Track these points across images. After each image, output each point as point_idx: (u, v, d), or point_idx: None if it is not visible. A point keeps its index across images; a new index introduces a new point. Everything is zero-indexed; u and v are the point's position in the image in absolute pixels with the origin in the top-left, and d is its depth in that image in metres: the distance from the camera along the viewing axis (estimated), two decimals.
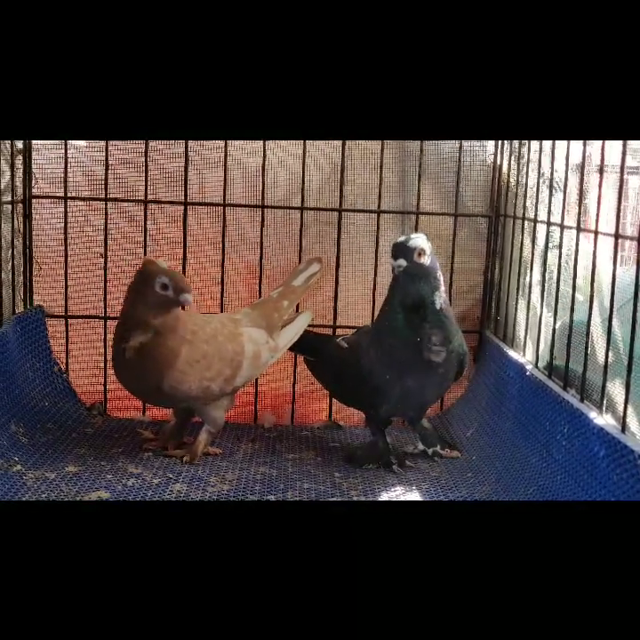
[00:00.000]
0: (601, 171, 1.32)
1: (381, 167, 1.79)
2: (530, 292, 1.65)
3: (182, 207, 1.80)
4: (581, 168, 1.42)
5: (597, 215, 1.30)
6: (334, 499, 1.38)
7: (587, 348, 1.33)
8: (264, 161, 1.78)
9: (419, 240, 1.48)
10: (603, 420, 1.22)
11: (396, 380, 1.52)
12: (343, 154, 1.78)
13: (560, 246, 1.47)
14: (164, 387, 1.46)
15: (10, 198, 1.70)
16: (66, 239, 1.80)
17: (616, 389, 1.26)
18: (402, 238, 1.50)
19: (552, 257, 1.55)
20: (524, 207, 1.69)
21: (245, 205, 1.85)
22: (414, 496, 1.41)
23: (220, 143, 1.79)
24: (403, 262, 1.47)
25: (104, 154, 1.76)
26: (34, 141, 1.78)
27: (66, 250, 1.80)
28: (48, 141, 1.80)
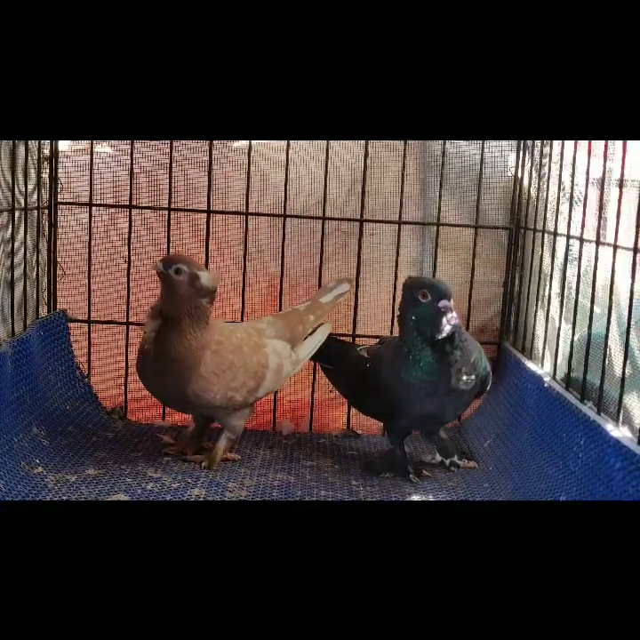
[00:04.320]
0: (621, 185, 1.32)
1: (403, 178, 1.80)
2: (549, 304, 1.65)
3: (205, 215, 1.81)
4: (601, 182, 1.42)
5: (617, 229, 1.31)
6: None
7: (604, 360, 1.33)
8: (287, 170, 1.80)
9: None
10: (619, 432, 1.22)
11: (417, 403, 1.52)
12: (365, 164, 1.80)
13: (579, 259, 1.48)
14: (188, 393, 1.47)
15: (36, 204, 1.73)
16: (90, 245, 1.82)
17: (633, 402, 1.27)
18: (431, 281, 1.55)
19: (571, 270, 1.55)
20: (545, 220, 1.70)
21: (267, 214, 1.86)
22: None
23: (244, 152, 1.81)
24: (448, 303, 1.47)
25: (129, 161, 1.79)
26: (60, 148, 1.81)
27: (89, 256, 1.82)
28: (73, 148, 1.83)
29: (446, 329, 1.47)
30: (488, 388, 1.60)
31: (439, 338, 1.47)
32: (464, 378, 1.50)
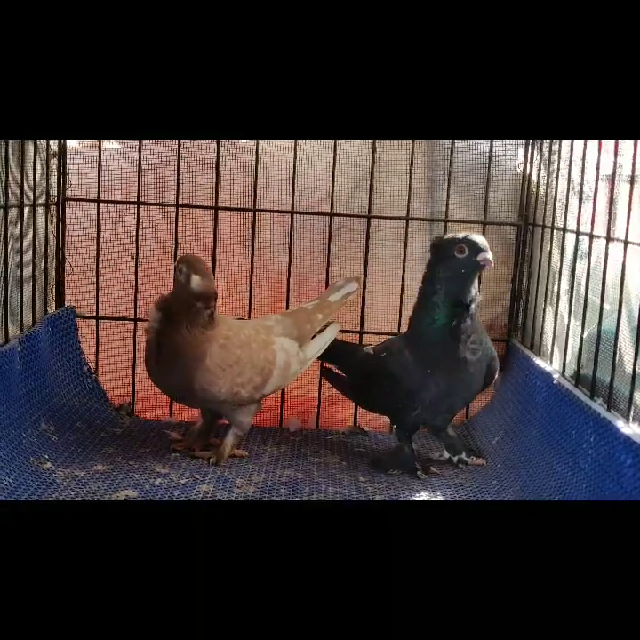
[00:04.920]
0: (632, 180, 1.32)
1: (411, 174, 1.80)
2: (558, 301, 1.64)
3: (212, 212, 1.81)
4: (611, 177, 1.42)
5: (627, 224, 1.30)
6: None
7: (614, 356, 1.33)
8: (294, 167, 1.80)
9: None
10: (629, 429, 1.22)
11: (427, 379, 1.51)
12: (373, 161, 1.79)
13: (589, 255, 1.47)
14: (194, 387, 1.47)
15: (44, 200, 1.73)
16: (98, 241, 1.82)
17: None
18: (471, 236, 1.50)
19: (580, 266, 1.55)
20: (553, 216, 1.69)
21: (275, 211, 1.86)
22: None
23: (251, 149, 1.81)
24: (489, 256, 1.47)
25: (137, 157, 1.79)
26: (68, 144, 1.81)
27: (98, 252, 1.82)
28: (82, 144, 1.83)
29: (475, 289, 1.49)
30: (496, 375, 1.60)
31: (467, 299, 1.48)
32: (472, 346, 1.50)
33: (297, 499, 1.39)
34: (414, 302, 1.59)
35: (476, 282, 1.51)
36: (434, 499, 1.42)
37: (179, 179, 1.80)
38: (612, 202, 1.40)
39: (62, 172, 1.81)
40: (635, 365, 1.25)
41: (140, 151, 1.79)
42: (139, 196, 1.80)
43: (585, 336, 1.49)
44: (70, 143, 1.82)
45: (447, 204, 1.82)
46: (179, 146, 1.79)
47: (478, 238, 1.49)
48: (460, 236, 1.50)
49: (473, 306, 1.50)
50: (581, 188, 1.54)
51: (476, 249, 1.47)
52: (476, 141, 1.86)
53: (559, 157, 1.68)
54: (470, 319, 1.50)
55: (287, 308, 1.81)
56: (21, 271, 1.60)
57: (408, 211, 1.82)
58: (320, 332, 1.67)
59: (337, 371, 1.76)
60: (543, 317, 1.73)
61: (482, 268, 1.48)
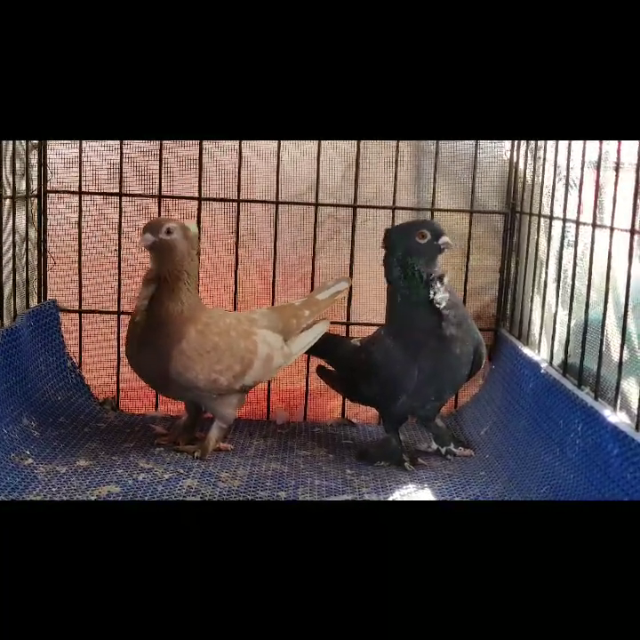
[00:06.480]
0: (617, 168, 1.30)
1: (397, 163, 1.78)
2: (545, 290, 1.63)
3: (196, 202, 1.79)
4: (597, 165, 1.40)
5: (613, 211, 1.29)
6: (345, 495, 1.37)
7: (601, 345, 1.32)
8: (279, 157, 1.78)
9: None
10: (616, 417, 1.21)
11: (410, 365, 1.51)
12: (358, 150, 1.78)
13: (576, 243, 1.46)
14: (170, 371, 1.46)
15: (25, 193, 1.71)
16: (80, 234, 1.80)
17: (630, 387, 1.25)
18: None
19: (567, 254, 1.54)
20: (540, 204, 1.68)
21: (260, 201, 1.84)
22: (426, 494, 1.40)
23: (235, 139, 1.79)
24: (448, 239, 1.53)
25: (119, 149, 1.77)
26: None
27: (80, 244, 1.81)
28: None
29: (440, 268, 1.53)
30: (484, 361, 1.60)
31: (436, 275, 1.52)
32: (454, 320, 1.51)
33: (283, 492, 1.37)
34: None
35: (439, 263, 1.54)
36: (421, 490, 1.41)
37: (161, 169, 1.78)
38: (597, 189, 1.39)
39: (43, 165, 1.79)
40: (622, 354, 1.24)
41: (121, 143, 1.77)
42: (121, 188, 1.78)
43: (572, 325, 1.47)
44: None
45: (434, 193, 1.81)
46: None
47: (435, 223, 1.56)
48: (418, 222, 1.58)
49: (445, 279, 1.53)
50: (567, 176, 1.53)
51: (437, 233, 1.52)
52: None
53: (545, 145, 1.67)
54: (446, 292, 1.52)
55: (273, 299, 1.80)
56: (0, 265, 1.57)
57: (394, 200, 1.80)
58: (309, 328, 1.66)
59: (326, 365, 1.74)
60: (531, 306, 1.72)
61: (442, 251, 1.53)
